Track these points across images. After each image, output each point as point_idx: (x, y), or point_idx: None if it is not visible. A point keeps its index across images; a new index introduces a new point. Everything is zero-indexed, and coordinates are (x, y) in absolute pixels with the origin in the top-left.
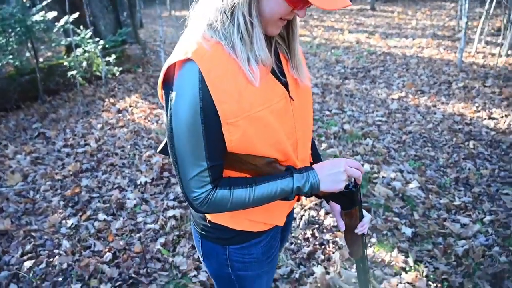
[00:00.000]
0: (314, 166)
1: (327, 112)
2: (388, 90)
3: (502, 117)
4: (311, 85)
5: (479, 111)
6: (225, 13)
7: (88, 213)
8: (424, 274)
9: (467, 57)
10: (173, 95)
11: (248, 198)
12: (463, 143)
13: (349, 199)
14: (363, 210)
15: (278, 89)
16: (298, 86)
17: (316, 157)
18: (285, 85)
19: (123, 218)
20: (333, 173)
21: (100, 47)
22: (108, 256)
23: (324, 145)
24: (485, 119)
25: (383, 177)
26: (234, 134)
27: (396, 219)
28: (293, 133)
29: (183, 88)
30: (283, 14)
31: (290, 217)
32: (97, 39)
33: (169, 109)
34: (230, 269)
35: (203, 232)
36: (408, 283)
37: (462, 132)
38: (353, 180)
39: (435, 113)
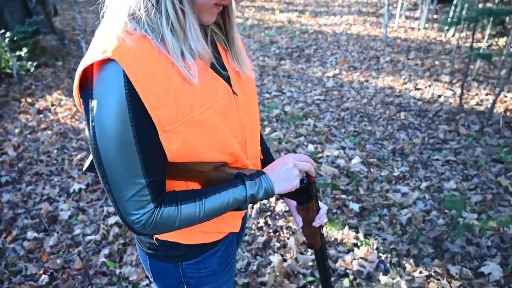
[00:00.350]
0: (264, 169)
1: (267, 95)
2: (323, 68)
3: (426, 87)
4: (253, 76)
5: (406, 83)
6: (149, 0)
7: (14, 232)
8: (375, 247)
9: (391, 32)
10: (94, 104)
11: (199, 213)
12: (395, 115)
13: (305, 194)
14: (319, 201)
15: (220, 84)
16: (241, 79)
17: (266, 152)
18: (227, 79)
19: (58, 233)
20: (284, 171)
21: (7, 40)
22: (44, 279)
23: (267, 129)
24: (411, 90)
25: (327, 156)
26: (174, 143)
27: (344, 196)
28: (240, 131)
29: (106, 96)
30: None
31: (245, 218)
32: (2, 30)
33: (91, 121)
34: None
35: (150, 252)
36: (361, 258)
37: (393, 104)
38: (305, 174)
39: (368, 88)
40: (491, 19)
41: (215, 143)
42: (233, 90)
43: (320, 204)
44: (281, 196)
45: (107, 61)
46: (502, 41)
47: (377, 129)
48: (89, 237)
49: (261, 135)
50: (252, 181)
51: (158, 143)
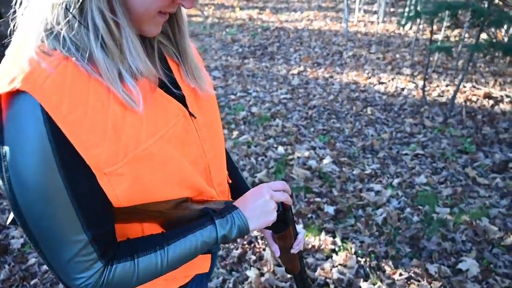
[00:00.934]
0: (235, 203)
1: (232, 96)
2: (287, 65)
3: (389, 81)
4: (213, 92)
5: (370, 78)
6: (68, 10)
7: None
8: (353, 251)
9: (351, 26)
10: (6, 150)
11: (161, 265)
12: (362, 110)
13: (281, 222)
14: (296, 225)
15: (173, 106)
16: (198, 97)
17: (234, 172)
18: (181, 99)
19: (9, 264)
20: (260, 205)
21: None
22: None
23: (235, 133)
24: (376, 84)
25: (298, 157)
26: (118, 186)
27: (318, 199)
28: (202, 157)
29: (21, 139)
30: (162, 6)
31: (214, 254)
32: None
33: (4, 172)
34: None
35: None
36: (340, 264)
37: (359, 99)
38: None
39: (333, 84)
40: (448, 12)
41: (172, 178)
42: (189, 112)
43: (298, 228)
44: None
45: (17, 93)
46: (455, 32)
47: (346, 126)
48: (45, 267)
49: (227, 153)
50: (222, 219)
51: (98, 189)
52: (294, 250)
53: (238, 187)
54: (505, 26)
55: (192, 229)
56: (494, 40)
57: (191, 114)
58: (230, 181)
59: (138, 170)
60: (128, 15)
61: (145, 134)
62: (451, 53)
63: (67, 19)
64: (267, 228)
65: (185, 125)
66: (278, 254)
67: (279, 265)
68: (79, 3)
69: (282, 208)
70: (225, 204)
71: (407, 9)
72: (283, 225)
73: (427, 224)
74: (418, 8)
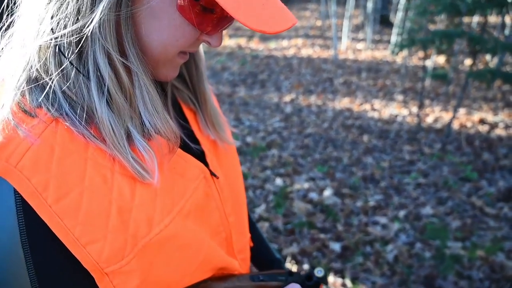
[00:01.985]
0: None
1: None
2: (279, 93)
3: (382, 107)
4: (234, 142)
5: (362, 104)
6: (63, 54)
7: None
8: None
9: (340, 53)
10: None
11: None
12: (358, 138)
13: None
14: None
15: (192, 168)
16: (218, 150)
17: (256, 234)
18: (200, 155)
19: None
20: None
21: None
22: None
23: None
24: (369, 111)
25: (297, 190)
26: (125, 287)
27: (322, 235)
28: (224, 224)
29: None
30: (185, 45)
31: None
32: None
33: None
34: None
35: None
36: None
37: (354, 126)
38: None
39: (326, 111)
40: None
41: (193, 263)
42: (210, 171)
43: None
44: None
45: None
46: (441, 59)
47: (343, 155)
48: None
49: (248, 214)
50: None
51: None
52: None
53: (262, 252)
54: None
55: None
56: (491, 67)
57: (212, 174)
58: (252, 245)
59: (150, 261)
60: (143, 58)
61: (160, 212)
62: (447, 80)
63: (62, 67)
64: None
65: (205, 188)
66: None
67: None
68: (78, 45)
69: (316, 277)
70: (250, 279)
71: (396, 37)
72: None
73: (440, 260)
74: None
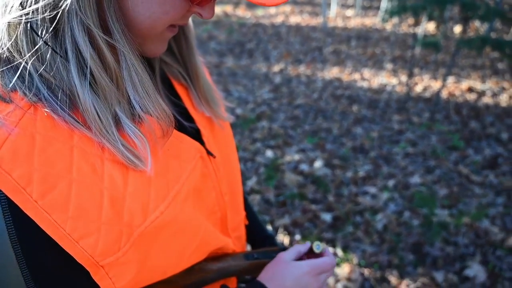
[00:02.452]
0: (269, 280)
1: None
2: (267, 63)
3: (372, 77)
4: (229, 117)
5: (352, 74)
6: (35, 32)
7: None
8: (355, 261)
9: (329, 21)
10: None
11: None
12: (348, 108)
13: None
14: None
15: (188, 148)
16: (213, 127)
17: (250, 212)
18: (195, 134)
19: None
20: None
21: None
22: None
23: None
24: (358, 80)
25: (288, 162)
26: (121, 278)
27: (313, 206)
28: (220, 204)
29: None
30: (174, 18)
31: None
32: None
33: None
34: None
35: None
36: (344, 278)
37: (344, 97)
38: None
39: (315, 82)
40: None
41: (189, 247)
42: (207, 150)
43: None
44: None
45: None
46: (431, 26)
47: (333, 126)
48: None
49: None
50: None
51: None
52: None
53: (256, 230)
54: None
55: None
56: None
57: (208, 153)
58: (247, 223)
59: (147, 250)
60: (128, 35)
61: (154, 199)
62: (439, 48)
63: (36, 47)
64: None
65: (202, 169)
66: None
67: None
68: (53, 22)
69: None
70: (245, 258)
71: (386, 3)
72: None
73: (428, 228)
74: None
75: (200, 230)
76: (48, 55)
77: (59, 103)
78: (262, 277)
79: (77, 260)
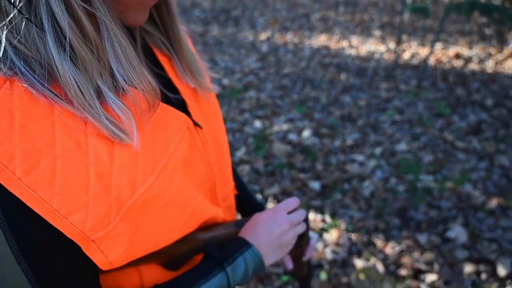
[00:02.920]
0: (244, 233)
1: None
2: (254, 31)
3: (360, 44)
4: (214, 88)
5: (340, 41)
6: (9, 1)
7: None
8: (343, 227)
9: None
10: None
11: None
12: (336, 77)
13: (299, 236)
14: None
15: (174, 120)
16: (199, 98)
17: (238, 180)
18: (181, 105)
19: None
20: (276, 237)
21: None
22: None
23: None
24: (346, 48)
25: (277, 132)
26: (113, 251)
27: (302, 175)
28: (209, 175)
29: None
30: None
31: None
32: None
33: None
34: None
35: None
36: (332, 243)
37: (332, 65)
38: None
39: (303, 50)
40: None
41: (180, 219)
42: (193, 121)
43: (311, 233)
44: None
45: None
46: None
47: (321, 95)
48: None
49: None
50: (233, 263)
51: (79, 264)
52: (306, 258)
53: (245, 198)
54: None
55: (197, 280)
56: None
57: (195, 124)
58: (237, 192)
59: (137, 223)
60: (108, 1)
61: (142, 173)
62: (428, 13)
63: (10, 17)
64: None
65: (190, 140)
66: (290, 267)
67: None
68: None
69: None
70: (235, 226)
71: None
72: (298, 238)
73: (413, 193)
74: None
75: (190, 201)
76: (23, 26)
77: (36, 77)
78: (241, 232)
79: (67, 236)
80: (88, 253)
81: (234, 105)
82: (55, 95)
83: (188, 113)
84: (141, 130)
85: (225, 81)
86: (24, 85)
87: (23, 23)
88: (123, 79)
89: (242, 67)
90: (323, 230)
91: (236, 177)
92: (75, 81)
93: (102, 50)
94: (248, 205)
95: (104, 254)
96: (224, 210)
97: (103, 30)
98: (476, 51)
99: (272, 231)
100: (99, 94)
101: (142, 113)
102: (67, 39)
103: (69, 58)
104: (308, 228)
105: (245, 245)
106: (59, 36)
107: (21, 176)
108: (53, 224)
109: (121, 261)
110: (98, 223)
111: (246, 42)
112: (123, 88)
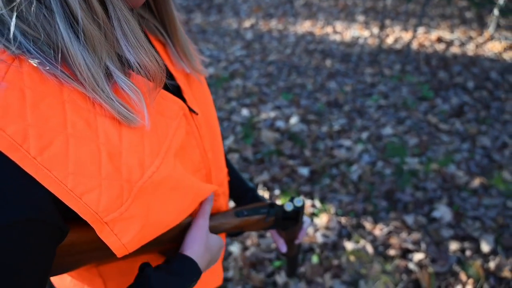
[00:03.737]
0: (185, 247)
1: None
2: (238, 18)
3: (344, 30)
4: (205, 71)
5: (324, 27)
6: None
7: None
8: (332, 211)
9: None
10: None
11: None
12: (321, 63)
13: (293, 220)
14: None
15: (171, 105)
16: (192, 83)
17: (229, 167)
18: (177, 91)
19: None
20: (215, 257)
21: None
22: None
23: None
24: (331, 34)
25: (264, 119)
26: (126, 234)
27: (291, 162)
28: (205, 161)
29: None
30: None
31: None
32: None
33: None
34: None
35: None
36: (322, 227)
37: (317, 51)
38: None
39: (288, 36)
40: None
41: (186, 200)
42: (189, 107)
43: (304, 217)
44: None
45: None
46: None
47: (307, 81)
48: None
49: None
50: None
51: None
52: (298, 240)
53: (237, 185)
54: None
55: None
56: None
57: (191, 110)
58: (229, 179)
59: (148, 204)
60: None
61: (149, 154)
62: None
63: None
64: (271, 228)
65: (186, 126)
66: (284, 250)
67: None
68: None
69: (294, 206)
70: (235, 215)
71: None
72: (294, 222)
73: (399, 175)
74: None
75: (193, 183)
76: (32, 8)
77: (45, 56)
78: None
79: (82, 216)
80: (102, 236)
81: (220, 94)
82: (65, 74)
83: (183, 99)
84: (148, 109)
85: (211, 70)
86: (34, 62)
87: (33, 5)
88: (134, 57)
89: (227, 55)
90: (313, 215)
91: (227, 162)
92: (85, 62)
93: (109, 30)
94: (240, 190)
95: (118, 237)
96: (220, 195)
97: (110, 9)
98: (457, 34)
99: (213, 253)
100: (108, 75)
101: (150, 91)
102: (79, 18)
103: (79, 39)
104: (302, 213)
105: (184, 260)
106: (68, 17)
107: (36, 155)
108: (68, 204)
109: (134, 244)
110: (112, 204)
111: (230, 30)
112: (131, 67)
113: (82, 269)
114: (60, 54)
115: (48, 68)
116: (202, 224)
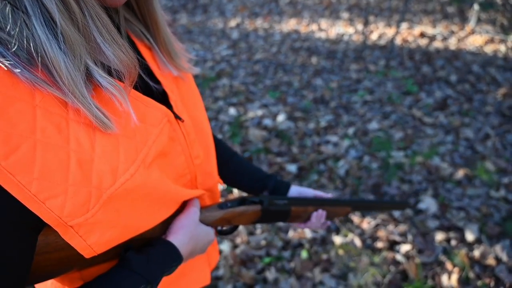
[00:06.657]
0: (170, 233)
1: None
2: (223, 18)
3: (329, 27)
4: (192, 69)
5: (309, 25)
6: None
7: None
8: None
9: None
10: None
11: None
12: (307, 60)
13: (283, 213)
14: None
15: (153, 112)
16: (182, 89)
17: (239, 162)
18: (160, 96)
19: None
20: (201, 247)
21: None
22: None
23: None
24: (316, 31)
25: (252, 118)
26: (91, 235)
27: (279, 159)
28: (190, 167)
29: None
30: None
31: None
32: None
33: None
34: None
35: None
36: None
37: (303, 49)
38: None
39: (273, 35)
40: None
41: (158, 206)
42: (175, 114)
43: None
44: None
45: None
46: None
47: (294, 79)
48: None
49: (223, 143)
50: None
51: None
52: (306, 227)
53: (240, 177)
54: None
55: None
56: None
57: (176, 117)
58: (223, 184)
59: (117, 210)
60: None
61: (124, 161)
62: None
63: None
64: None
65: (170, 133)
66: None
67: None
68: None
69: (284, 200)
70: (218, 208)
71: None
72: (284, 216)
73: (385, 169)
74: None
75: (170, 189)
76: (7, 12)
77: (19, 60)
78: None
79: (45, 221)
80: (66, 238)
81: (207, 94)
82: (39, 78)
83: (170, 106)
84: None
85: (197, 70)
86: (5, 68)
87: (7, 9)
88: (112, 54)
89: (213, 55)
90: None
91: (237, 158)
92: (65, 65)
93: (87, 29)
94: (257, 177)
95: (83, 238)
96: (206, 199)
97: (83, 8)
98: (439, 29)
99: (198, 243)
100: (88, 76)
101: (127, 87)
102: (57, 21)
103: (58, 41)
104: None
105: (177, 259)
106: (47, 20)
107: (1, 160)
108: (30, 209)
109: (102, 246)
110: (77, 210)
111: (216, 30)
112: (108, 65)
113: (64, 276)
114: (39, 58)
115: (19, 71)
116: (192, 213)
